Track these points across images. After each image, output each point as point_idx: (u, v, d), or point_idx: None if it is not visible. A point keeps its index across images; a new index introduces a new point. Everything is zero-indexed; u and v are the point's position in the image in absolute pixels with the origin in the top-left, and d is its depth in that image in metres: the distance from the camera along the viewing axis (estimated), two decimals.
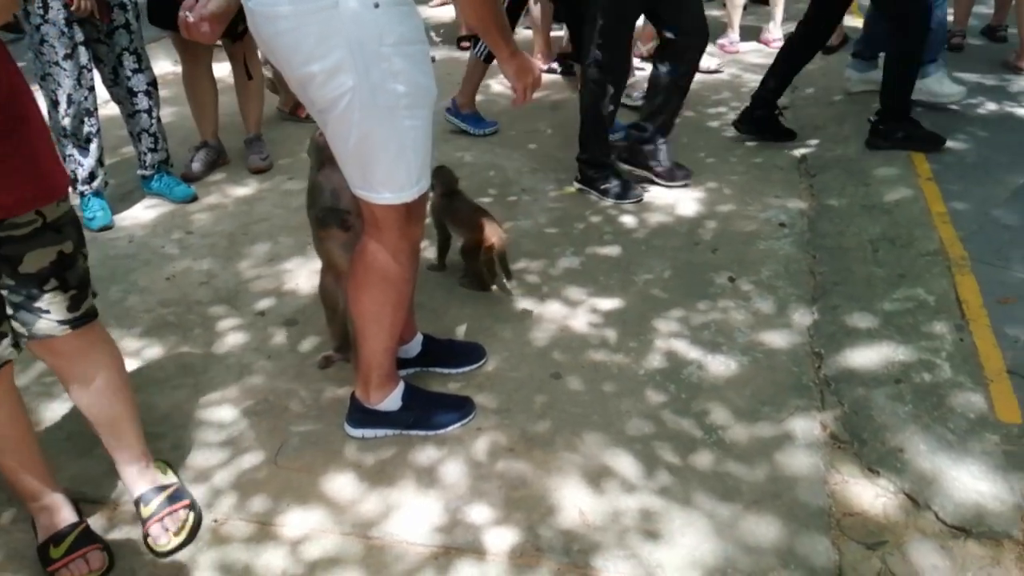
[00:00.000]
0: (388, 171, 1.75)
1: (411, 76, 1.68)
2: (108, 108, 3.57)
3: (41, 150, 1.56)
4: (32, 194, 1.52)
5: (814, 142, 3.84)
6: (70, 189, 3.25)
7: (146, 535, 1.82)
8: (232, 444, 2.12)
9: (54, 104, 3.08)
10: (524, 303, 2.68)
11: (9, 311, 1.60)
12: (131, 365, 2.43)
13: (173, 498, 1.86)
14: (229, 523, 1.88)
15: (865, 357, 2.30)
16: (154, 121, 3.36)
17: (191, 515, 1.84)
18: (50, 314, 1.60)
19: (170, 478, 1.93)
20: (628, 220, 3.21)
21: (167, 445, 2.11)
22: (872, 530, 1.80)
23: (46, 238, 1.55)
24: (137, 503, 1.86)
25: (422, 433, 2.10)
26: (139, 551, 1.81)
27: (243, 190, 3.58)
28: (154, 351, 2.50)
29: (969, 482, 1.85)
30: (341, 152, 1.78)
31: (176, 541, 1.80)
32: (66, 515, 1.80)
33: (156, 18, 3.38)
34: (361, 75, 1.63)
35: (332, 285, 2.28)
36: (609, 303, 2.66)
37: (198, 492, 1.96)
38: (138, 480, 1.87)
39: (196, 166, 3.67)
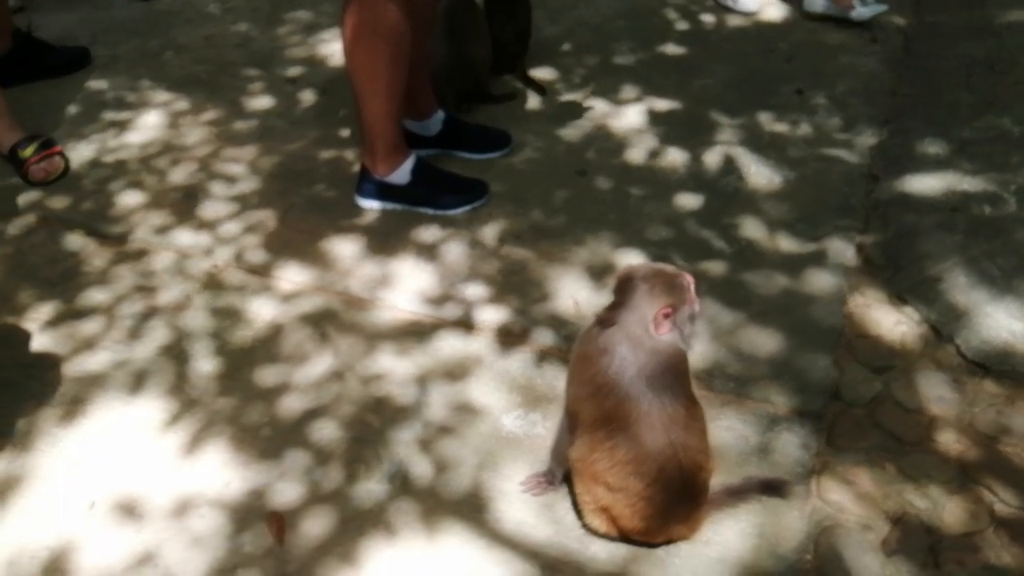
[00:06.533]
0: None
1: None
2: None
3: None
4: None
5: None
6: None
7: (25, 173, 2.16)
8: (242, 200, 2.10)
9: None
10: (565, 97, 2.50)
11: None
12: (156, 117, 2.42)
13: (46, 144, 2.18)
14: (227, 271, 1.89)
15: (925, 184, 2.07)
16: None
17: (63, 161, 2.20)
18: None
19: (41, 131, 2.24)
20: (707, 19, 2.91)
21: (179, 195, 2.12)
22: (882, 355, 1.68)
23: None
24: (14, 149, 2.18)
25: (430, 212, 2.04)
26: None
27: None
28: (181, 104, 2.47)
29: (1003, 320, 1.68)
30: None
31: (51, 177, 2.17)
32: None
33: None
34: None
35: None
36: (658, 104, 2.46)
37: (200, 238, 1.98)
38: (8, 133, 2.20)
39: None
